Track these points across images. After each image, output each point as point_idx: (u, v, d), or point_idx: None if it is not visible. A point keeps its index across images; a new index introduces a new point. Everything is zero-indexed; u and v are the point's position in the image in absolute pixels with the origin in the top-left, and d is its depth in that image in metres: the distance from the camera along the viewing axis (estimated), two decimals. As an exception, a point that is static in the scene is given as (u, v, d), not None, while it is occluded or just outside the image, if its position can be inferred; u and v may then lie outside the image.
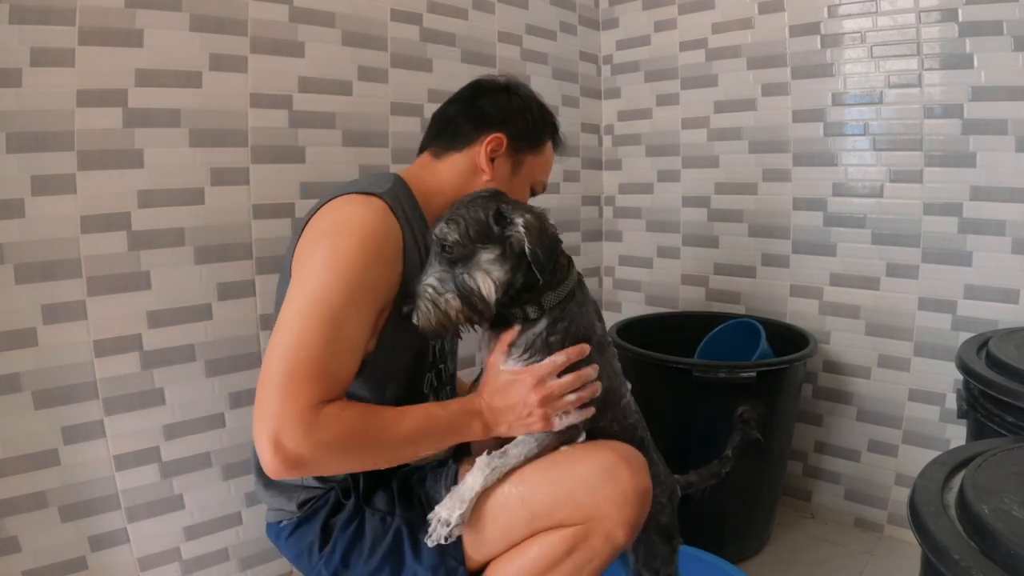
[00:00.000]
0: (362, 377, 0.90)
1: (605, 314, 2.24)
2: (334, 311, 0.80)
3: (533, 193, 1.13)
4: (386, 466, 0.89)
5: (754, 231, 1.88)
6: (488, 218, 0.87)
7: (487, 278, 0.86)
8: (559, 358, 0.89)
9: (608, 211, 2.21)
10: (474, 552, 0.90)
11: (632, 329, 1.82)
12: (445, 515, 0.86)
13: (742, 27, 1.83)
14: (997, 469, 0.81)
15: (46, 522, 1.15)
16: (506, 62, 1.84)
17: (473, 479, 0.87)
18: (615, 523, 0.86)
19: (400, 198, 0.95)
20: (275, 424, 0.75)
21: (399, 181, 0.99)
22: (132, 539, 1.25)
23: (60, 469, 1.16)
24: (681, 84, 1.98)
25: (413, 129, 1.61)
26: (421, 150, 1.09)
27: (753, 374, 1.45)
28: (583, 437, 0.93)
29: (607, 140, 2.17)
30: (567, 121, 2.05)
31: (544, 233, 0.88)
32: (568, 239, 2.10)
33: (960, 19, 1.48)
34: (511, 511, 0.88)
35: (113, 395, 1.21)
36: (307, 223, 0.91)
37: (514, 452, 0.89)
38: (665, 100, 2.02)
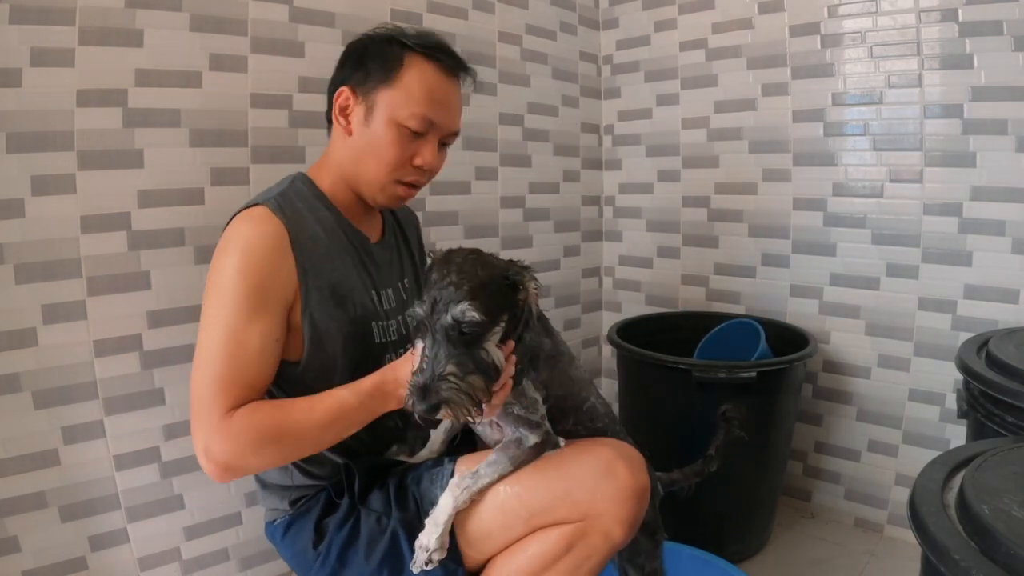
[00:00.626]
0: (301, 375, 0.93)
1: (605, 314, 2.25)
2: (229, 328, 0.85)
3: (419, 134, 0.97)
4: (313, 452, 0.91)
5: (754, 231, 1.88)
6: (501, 285, 0.81)
7: (496, 350, 0.81)
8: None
9: (608, 211, 2.21)
10: (472, 552, 0.90)
11: (632, 329, 1.82)
12: (425, 541, 0.86)
13: (742, 27, 1.83)
14: (997, 469, 0.81)
15: (46, 522, 1.15)
16: (506, 62, 1.84)
17: (444, 501, 0.87)
18: (613, 520, 0.86)
19: (292, 195, 0.97)
20: (200, 439, 0.84)
21: (297, 179, 1.01)
22: (132, 539, 1.25)
23: (60, 469, 1.16)
24: (681, 84, 1.98)
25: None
26: None
27: (753, 374, 1.45)
28: (563, 443, 0.92)
29: (607, 140, 2.17)
30: (567, 121, 2.05)
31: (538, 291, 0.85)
32: (568, 239, 2.10)
33: (960, 19, 1.48)
34: (509, 510, 0.88)
35: (113, 395, 1.21)
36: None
37: (485, 471, 0.87)
38: (665, 100, 2.02)
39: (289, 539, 1.00)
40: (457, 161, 1.72)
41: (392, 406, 0.89)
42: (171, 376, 1.28)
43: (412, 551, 0.89)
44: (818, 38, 1.70)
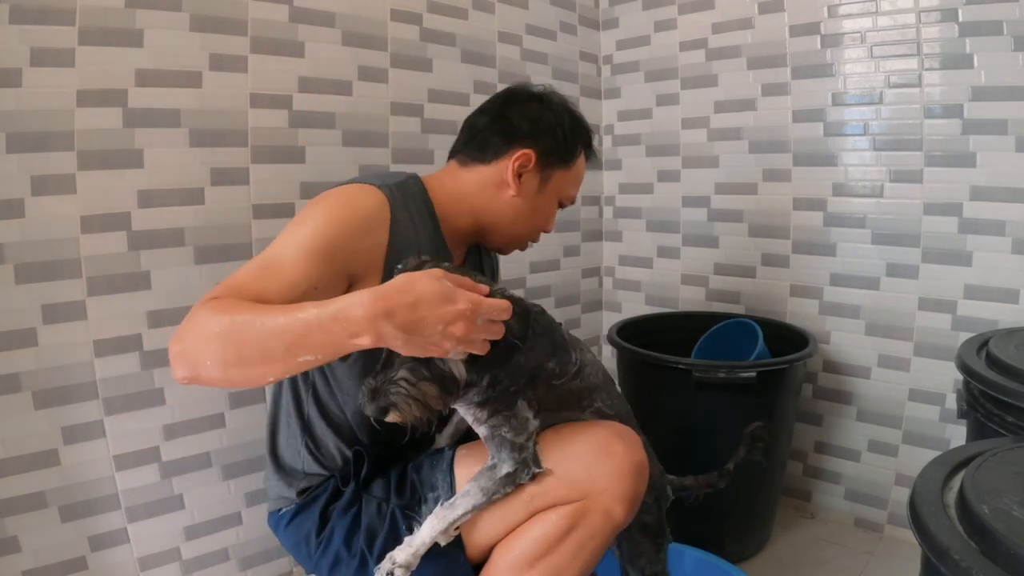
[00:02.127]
0: (349, 368, 0.94)
1: (605, 314, 2.25)
2: (281, 252, 0.83)
3: (561, 206, 1.13)
4: (262, 364, 0.73)
5: (754, 231, 1.88)
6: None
7: (458, 363, 0.80)
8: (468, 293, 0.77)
9: (608, 211, 2.21)
10: (475, 538, 0.90)
11: (632, 329, 1.82)
12: (400, 558, 0.86)
13: (742, 27, 1.83)
14: (997, 469, 0.81)
15: (46, 522, 1.15)
16: (506, 62, 1.84)
17: (423, 532, 0.87)
18: (612, 497, 0.86)
19: (406, 193, 0.96)
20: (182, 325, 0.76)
21: (414, 180, 1.01)
22: (132, 539, 1.25)
23: (60, 469, 1.16)
24: (681, 84, 1.98)
25: (413, 129, 1.61)
26: (450, 156, 1.09)
27: (753, 374, 1.45)
28: (540, 469, 0.87)
29: (607, 140, 2.17)
30: (567, 121, 2.05)
31: (524, 310, 0.82)
32: (568, 239, 2.10)
33: (960, 19, 1.48)
34: (509, 495, 0.88)
35: (113, 395, 1.21)
36: None
37: (459, 503, 0.87)
38: (665, 100, 2.02)
39: (293, 528, 1.01)
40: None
41: (363, 341, 0.71)
42: (171, 376, 1.27)
43: (410, 535, 0.90)
44: (818, 38, 1.70)
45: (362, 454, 0.98)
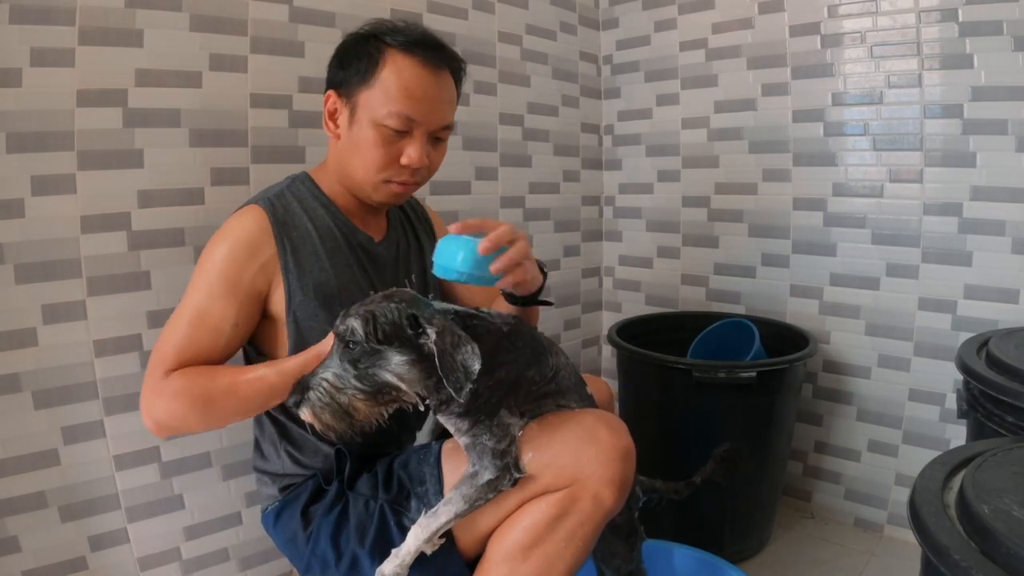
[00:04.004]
0: None
1: (605, 314, 2.25)
2: (196, 304, 0.93)
3: (402, 129, 0.94)
4: (237, 419, 0.94)
5: (754, 231, 1.88)
6: (401, 318, 0.79)
7: (399, 380, 0.79)
8: None
9: (608, 211, 2.21)
10: (466, 532, 0.90)
11: (632, 329, 1.82)
12: (388, 570, 0.86)
13: (742, 27, 1.83)
14: (997, 469, 0.81)
15: (46, 522, 1.15)
16: (506, 62, 1.84)
17: (408, 542, 0.86)
18: (600, 482, 0.86)
19: (286, 197, 1.00)
20: (143, 395, 0.91)
21: (297, 179, 1.04)
22: (132, 539, 1.25)
23: (60, 469, 1.16)
24: (681, 84, 1.98)
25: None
26: None
27: (753, 374, 1.45)
28: (522, 474, 0.86)
29: (607, 140, 2.17)
30: (567, 121, 2.05)
31: (456, 344, 0.79)
32: (568, 239, 2.10)
33: (960, 19, 1.48)
34: None
35: (113, 395, 1.21)
36: None
37: (443, 511, 0.86)
38: (665, 100, 2.02)
39: (281, 526, 1.02)
40: (457, 161, 1.72)
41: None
42: (171, 376, 1.28)
43: (400, 532, 0.90)
44: (818, 38, 1.70)
45: (344, 453, 0.98)
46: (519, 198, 1.92)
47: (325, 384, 0.79)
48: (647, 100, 2.06)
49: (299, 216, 0.99)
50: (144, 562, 1.27)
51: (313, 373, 0.81)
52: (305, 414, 0.79)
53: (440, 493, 0.92)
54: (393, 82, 0.93)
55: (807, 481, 1.87)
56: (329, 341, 0.86)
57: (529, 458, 0.86)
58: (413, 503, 0.94)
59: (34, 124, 1.10)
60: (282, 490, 1.03)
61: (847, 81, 1.67)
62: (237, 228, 0.95)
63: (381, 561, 0.89)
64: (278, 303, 0.96)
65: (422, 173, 1.01)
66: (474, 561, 0.92)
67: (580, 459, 0.86)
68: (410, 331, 0.80)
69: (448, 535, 0.89)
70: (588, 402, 1.01)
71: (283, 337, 0.98)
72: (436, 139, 1.01)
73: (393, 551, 0.87)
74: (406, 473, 0.96)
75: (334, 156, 1.03)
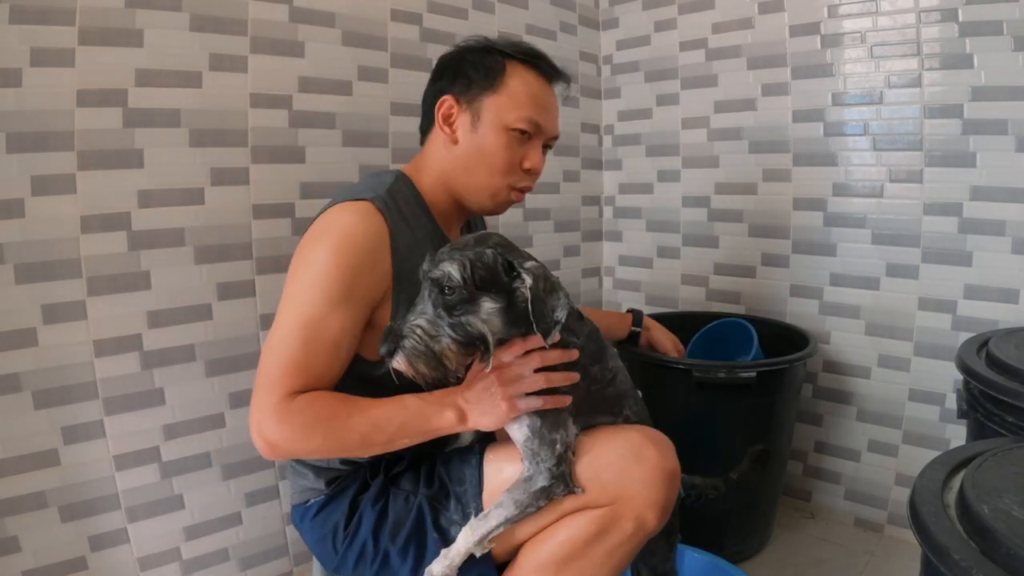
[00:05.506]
0: (380, 377, 0.90)
1: (605, 314, 2.24)
2: (310, 314, 0.85)
3: (526, 134, 0.99)
4: (363, 453, 0.91)
5: (754, 231, 1.88)
6: (497, 263, 0.81)
7: (487, 329, 0.81)
8: (516, 346, 0.86)
9: (608, 211, 2.21)
10: (501, 537, 0.89)
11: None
12: (437, 570, 0.86)
13: (742, 27, 1.83)
14: (997, 469, 0.81)
15: (46, 522, 1.15)
16: (506, 62, 1.84)
17: (458, 544, 0.87)
18: (644, 504, 0.85)
19: (397, 197, 0.96)
20: (257, 415, 0.84)
21: (400, 178, 1.00)
22: (132, 539, 1.25)
23: (60, 469, 1.16)
24: (681, 84, 1.98)
25: (413, 129, 1.58)
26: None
27: (753, 374, 1.45)
28: (580, 491, 0.87)
29: (607, 140, 2.17)
30: (567, 121, 2.05)
31: (549, 290, 0.83)
32: (568, 239, 2.10)
33: (960, 19, 1.47)
34: None
35: (113, 395, 1.21)
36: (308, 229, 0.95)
37: (494, 514, 0.86)
38: (665, 100, 2.02)
39: (320, 520, 0.99)
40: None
41: (448, 416, 0.87)
42: (171, 376, 1.28)
43: (436, 530, 0.90)
44: (818, 38, 1.70)
45: (400, 455, 0.97)
46: (519, 198, 1.92)
47: (419, 331, 0.78)
48: (647, 100, 2.06)
49: (407, 221, 0.95)
50: (144, 562, 1.27)
51: (404, 320, 0.80)
52: (399, 363, 0.78)
53: (479, 495, 0.91)
54: (521, 89, 0.99)
55: (807, 481, 1.87)
56: (477, 376, 0.87)
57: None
58: (452, 502, 0.93)
59: (34, 124, 1.10)
60: (329, 483, 1.00)
61: (847, 81, 1.67)
62: (354, 228, 0.88)
63: (410, 560, 0.90)
64: (382, 315, 0.92)
65: (534, 180, 1.05)
66: (503, 567, 0.91)
67: (625, 478, 0.85)
68: (505, 277, 0.81)
69: None
70: (642, 408, 1.02)
71: (374, 348, 0.89)
72: (545, 147, 1.06)
73: (443, 551, 0.87)
74: (447, 471, 0.96)
75: (444, 161, 1.01)
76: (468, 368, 0.87)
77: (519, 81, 0.99)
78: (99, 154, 1.17)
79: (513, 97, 0.98)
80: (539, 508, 0.86)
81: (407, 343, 0.78)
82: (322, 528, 0.99)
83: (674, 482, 0.89)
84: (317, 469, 1.01)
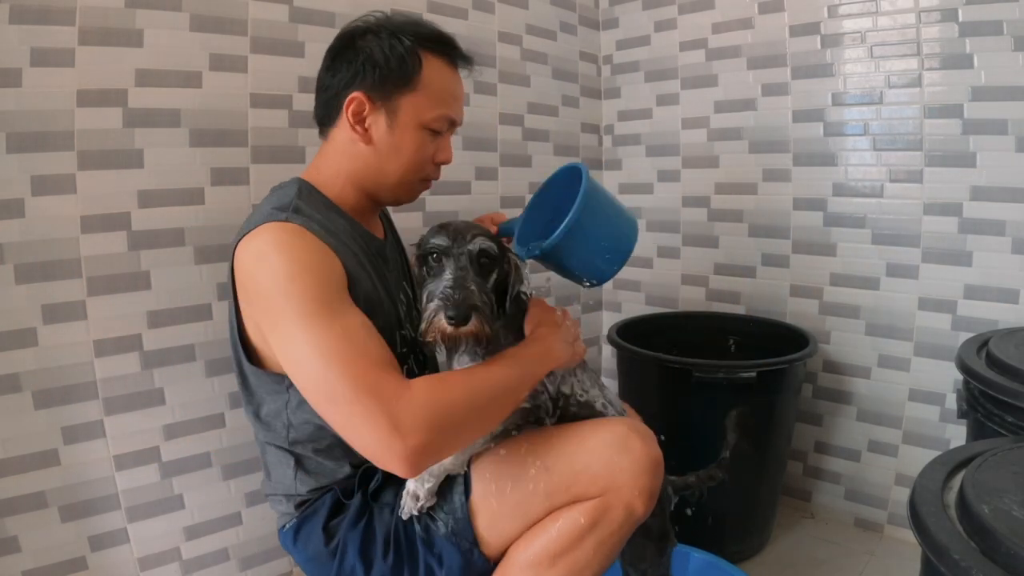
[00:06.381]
0: None
1: (605, 314, 2.25)
2: (320, 323, 0.78)
3: (439, 131, 0.98)
4: (496, 424, 0.88)
5: (754, 231, 1.88)
6: (500, 247, 0.92)
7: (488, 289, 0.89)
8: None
9: (608, 211, 2.21)
10: (491, 535, 0.90)
11: (632, 329, 1.82)
12: (414, 488, 0.88)
13: (742, 27, 1.83)
14: (997, 469, 0.81)
15: (46, 522, 1.15)
16: (506, 62, 1.84)
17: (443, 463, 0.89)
18: (632, 492, 0.87)
19: (306, 209, 0.90)
20: (380, 426, 0.73)
21: (303, 187, 0.95)
22: (132, 539, 1.25)
23: (60, 469, 1.16)
24: (681, 84, 1.98)
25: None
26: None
27: (753, 374, 1.45)
28: (547, 414, 0.96)
29: (607, 140, 2.17)
30: (567, 121, 2.05)
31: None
32: (568, 239, 2.10)
33: (960, 19, 1.48)
34: (526, 490, 0.88)
35: (113, 395, 1.21)
36: (231, 273, 0.91)
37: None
38: (665, 100, 2.02)
39: (301, 543, 0.98)
40: (457, 161, 1.70)
41: (556, 355, 0.93)
42: (171, 376, 1.28)
43: (425, 535, 0.90)
44: (818, 38, 1.70)
45: (372, 470, 0.95)
46: (519, 198, 1.92)
47: (476, 291, 0.83)
48: (647, 100, 2.06)
49: (321, 227, 0.89)
50: (144, 562, 1.27)
51: (455, 290, 0.82)
52: (473, 324, 0.81)
53: (467, 500, 0.90)
54: (438, 86, 0.96)
55: (807, 481, 1.87)
56: (554, 329, 0.95)
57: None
58: (439, 506, 0.92)
59: (34, 124, 1.10)
60: (298, 507, 0.98)
61: (847, 81, 1.67)
62: (295, 241, 0.83)
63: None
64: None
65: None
66: (495, 566, 0.91)
67: (613, 468, 0.86)
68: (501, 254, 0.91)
69: (473, 537, 0.89)
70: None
71: None
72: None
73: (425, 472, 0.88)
74: None
75: (352, 159, 0.97)
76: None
77: (435, 76, 0.95)
78: (99, 154, 1.17)
79: (431, 95, 0.95)
80: (517, 427, 0.93)
81: (478, 303, 0.82)
82: (306, 551, 0.97)
83: (659, 470, 0.90)
84: (286, 496, 0.99)
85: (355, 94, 0.93)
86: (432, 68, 0.95)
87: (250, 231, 0.87)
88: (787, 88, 1.76)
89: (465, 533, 0.89)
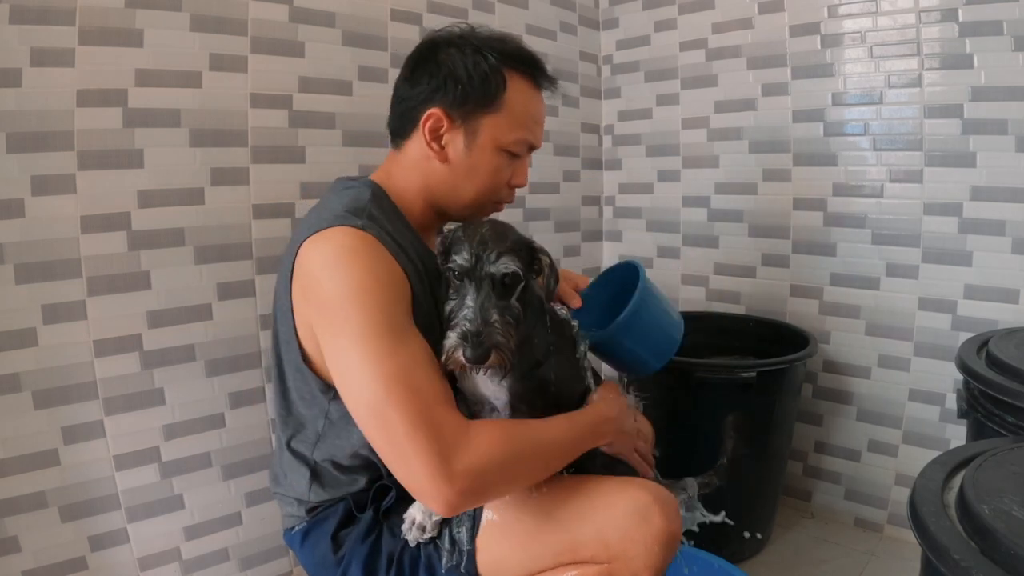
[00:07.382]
0: None
1: (605, 314, 2.24)
2: (392, 337, 0.77)
3: (515, 154, 0.96)
4: (541, 478, 0.85)
5: (754, 231, 1.88)
6: (528, 253, 0.87)
7: (517, 303, 0.84)
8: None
9: (608, 211, 2.21)
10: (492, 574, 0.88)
11: (632, 329, 1.82)
12: (420, 519, 0.87)
13: (742, 27, 1.83)
14: (997, 469, 0.81)
15: (46, 522, 1.15)
16: (506, 62, 1.83)
17: None
18: (642, 566, 0.83)
19: (380, 214, 0.88)
20: (431, 463, 0.73)
21: (376, 193, 0.93)
22: (132, 539, 1.25)
23: (60, 469, 1.16)
24: (681, 84, 1.98)
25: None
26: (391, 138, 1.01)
27: (753, 374, 1.45)
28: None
29: (607, 140, 2.17)
30: (567, 121, 2.05)
31: (552, 267, 0.91)
32: (568, 239, 2.10)
33: (960, 19, 1.47)
34: (538, 542, 0.86)
35: (113, 395, 1.21)
36: (292, 266, 0.86)
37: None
38: (665, 100, 2.02)
39: (308, 548, 0.97)
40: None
41: (608, 434, 0.94)
42: (171, 376, 1.28)
43: (427, 573, 0.89)
44: (818, 38, 1.70)
45: (387, 488, 0.94)
46: (519, 198, 1.92)
47: (499, 325, 0.78)
48: (647, 100, 2.06)
49: (391, 239, 0.86)
50: (144, 562, 1.27)
51: (472, 322, 0.78)
52: (493, 359, 0.77)
53: (475, 528, 0.89)
54: (521, 109, 0.93)
55: (807, 481, 1.86)
56: (615, 401, 0.96)
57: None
58: (446, 531, 0.91)
59: (34, 124, 1.10)
60: (309, 511, 0.97)
61: (847, 81, 1.67)
62: (371, 259, 0.80)
63: None
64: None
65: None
66: None
67: (626, 539, 0.83)
68: (530, 259, 0.87)
69: (474, 566, 0.88)
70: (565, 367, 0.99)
71: None
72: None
73: None
74: None
75: (427, 174, 0.94)
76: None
77: (519, 98, 0.92)
78: (99, 154, 1.17)
79: (512, 118, 0.92)
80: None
81: (497, 339, 0.77)
82: (312, 556, 0.97)
83: (675, 545, 0.87)
84: (298, 500, 0.98)
85: (433, 110, 0.91)
86: (516, 89, 0.92)
87: (321, 231, 0.83)
88: (787, 88, 1.76)
89: (468, 569, 0.88)
